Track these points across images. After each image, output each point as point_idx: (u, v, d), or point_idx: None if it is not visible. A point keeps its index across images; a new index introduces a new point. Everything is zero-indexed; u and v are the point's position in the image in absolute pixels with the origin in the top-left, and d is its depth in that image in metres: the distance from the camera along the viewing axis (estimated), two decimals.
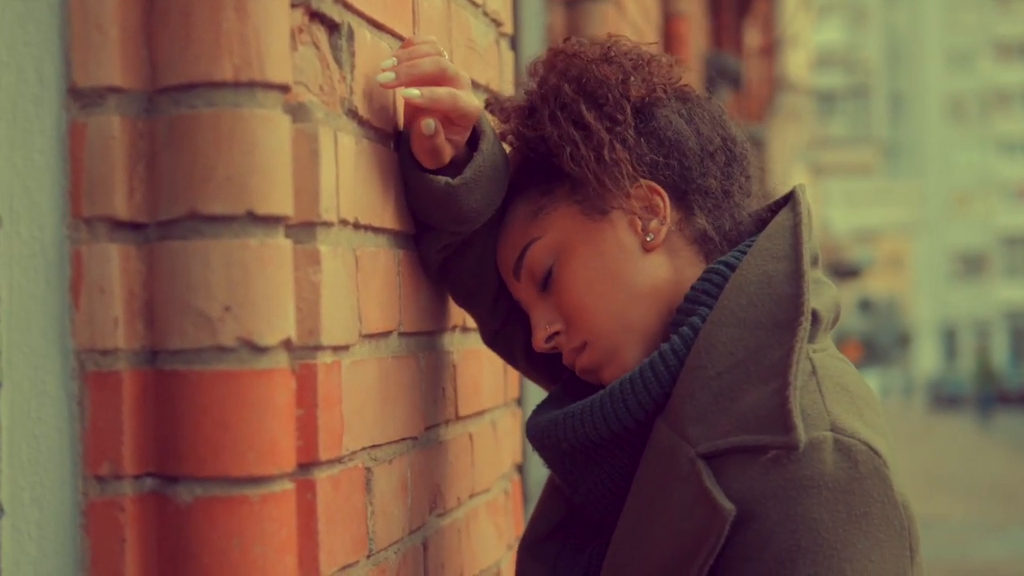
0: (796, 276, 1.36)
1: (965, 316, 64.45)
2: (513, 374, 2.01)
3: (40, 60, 1.13)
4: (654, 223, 1.44)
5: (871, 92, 66.49)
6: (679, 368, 1.37)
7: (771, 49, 13.20)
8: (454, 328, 1.68)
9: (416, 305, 1.52)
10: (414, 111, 1.40)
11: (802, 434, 1.27)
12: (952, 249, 64.94)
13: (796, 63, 20.79)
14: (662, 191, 1.44)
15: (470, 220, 1.45)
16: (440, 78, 1.38)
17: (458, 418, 1.68)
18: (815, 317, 1.36)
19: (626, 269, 1.44)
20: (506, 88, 1.89)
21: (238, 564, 1.11)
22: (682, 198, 1.45)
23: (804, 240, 1.39)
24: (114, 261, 1.12)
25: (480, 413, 1.80)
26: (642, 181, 1.43)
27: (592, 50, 1.49)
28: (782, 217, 1.44)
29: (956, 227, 64.76)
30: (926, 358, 63.31)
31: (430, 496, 1.56)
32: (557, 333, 1.48)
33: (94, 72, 1.12)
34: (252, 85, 1.12)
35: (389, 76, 1.36)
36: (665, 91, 1.48)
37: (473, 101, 1.41)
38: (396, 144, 1.46)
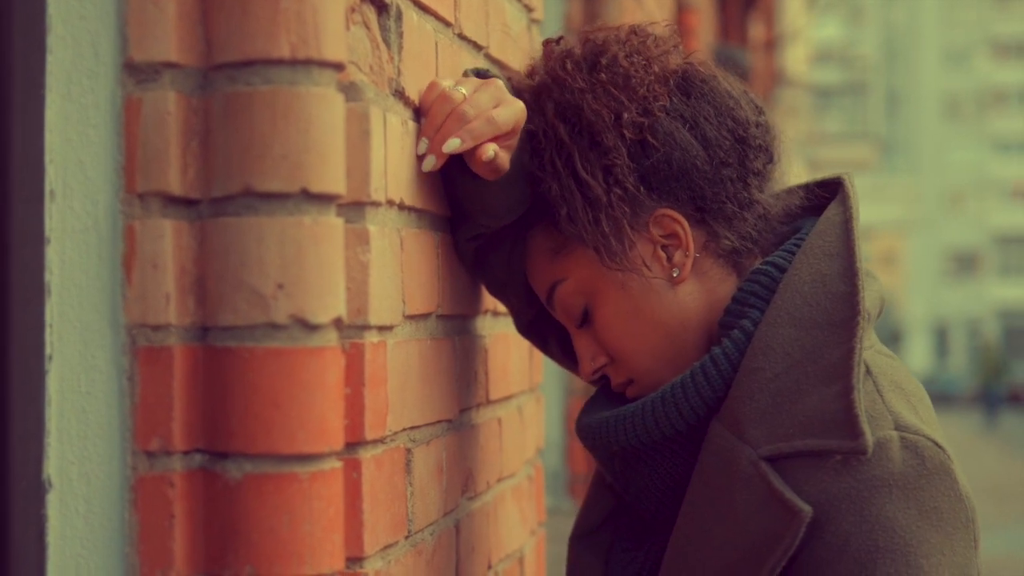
0: (851, 274, 1.35)
1: (957, 314, 64.54)
2: (537, 360, 2.01)
3: (96, 35, 1.13)
4: (678, 255, 1.41)
5: (868, 89, 66.52)
6: (731, 371, 1.36)
7: (773, 43, 13.20)
8: (486, 312, 1.68)
9: (453, 288, 1.52)
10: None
11: (870, 438, 1.27)
12: (946, 247, 64.99)
13: (795, 58, 20.74)
14: (680, 218, 1.41)
15: (500, 215, 1.44)
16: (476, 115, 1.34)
17: (488, 402, 1.69)
18: None
19: (658, 308, 1.42)
20: None
21: (287, 541, 1.11)
22: (702, 219, 1.42)
23: (856, 236, 1.38)
24: (167, 237, 1.12)
25: (508, 398, 1.80)
26: (659, 211, 1.40)
27: (581, 74, 1.41)
28: (832, 212, 1.41)
29: (950, 225, 64.82)
30: (917, 356, 63.39)
31: (462, 479, 1.56)
32: (604, 365, 1.47)
33: (150, 48, 1.12)
34: (308, 63, 1.12)
35: (431, 161, 1.34)
36: (663, 98, 1.41)
37: (515, 106, 1.36)
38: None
